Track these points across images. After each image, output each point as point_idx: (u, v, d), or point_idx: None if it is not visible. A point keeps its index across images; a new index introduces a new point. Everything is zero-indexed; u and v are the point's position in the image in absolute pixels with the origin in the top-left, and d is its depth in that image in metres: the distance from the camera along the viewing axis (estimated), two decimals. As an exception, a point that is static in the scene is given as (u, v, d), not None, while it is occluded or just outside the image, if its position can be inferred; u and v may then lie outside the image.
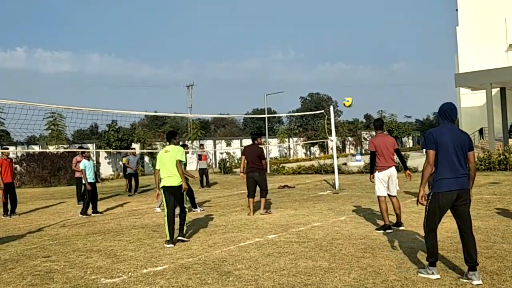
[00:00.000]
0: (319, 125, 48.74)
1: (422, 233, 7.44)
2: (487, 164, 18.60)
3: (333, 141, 16.31)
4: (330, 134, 16.28)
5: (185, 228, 8.03)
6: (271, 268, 5.84)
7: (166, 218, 7.84)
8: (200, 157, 20.06)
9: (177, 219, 8.03)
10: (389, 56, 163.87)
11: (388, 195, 8.08)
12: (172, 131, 9.09)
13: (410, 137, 62.76)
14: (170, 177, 7.89)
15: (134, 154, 18.01)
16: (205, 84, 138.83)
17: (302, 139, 46.59)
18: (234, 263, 6.16)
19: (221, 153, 35.67)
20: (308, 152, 47.63)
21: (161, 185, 8.00)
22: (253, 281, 5.33)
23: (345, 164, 24.97)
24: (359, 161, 27.56)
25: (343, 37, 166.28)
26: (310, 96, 68.77)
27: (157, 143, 35.10)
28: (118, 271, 6.13)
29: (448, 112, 5.15)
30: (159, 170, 8.05)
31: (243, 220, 9.82)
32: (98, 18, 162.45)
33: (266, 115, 25.36)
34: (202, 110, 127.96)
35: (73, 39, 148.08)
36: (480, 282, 4.77)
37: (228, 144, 40.34)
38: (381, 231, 7.82)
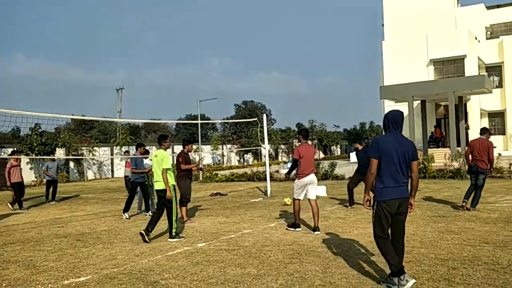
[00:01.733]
0: (252, 132, 49.14)
1: (347, 238, 7.72)
2: (408, 173, 19.56)
3: (266, 149, 16.50)
4: (263, 141, 16.46)
5: (173, 230, 8.34)
6: (199, 276, 5.78)
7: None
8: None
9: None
10: (322, 68, 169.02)
11: (308, 199, 8.66)
12: (163, 134, 9.28)
13: (338, 146, 64.83)
14: (158, 181, 8.43)
15: (53, 160, 17.23)
16: (137, 89, 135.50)
17: (235, 146, 46.73)
18: (161, 273, 6.04)
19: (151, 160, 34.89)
20: (242, 160, 47.85)
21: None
22: (180, 290, 5.25)
23: (277, 171, 25.31)
24: (290, 169, 28.04)
25: (279, 48, 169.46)
26: (244, 103, 69.18)
27: (83, 148, 33.71)
28: (37, 282, 5.82)
29: (395, 119, 5.08)
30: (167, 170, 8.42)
31: (173, 228, 9.66)
32: (24, 17, 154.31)
33: (199, 121, 25.18)
34: (133, 115, 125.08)
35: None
36: (414, 280, 4.99)
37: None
38: (292, 229, 8.65)
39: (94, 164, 33.55)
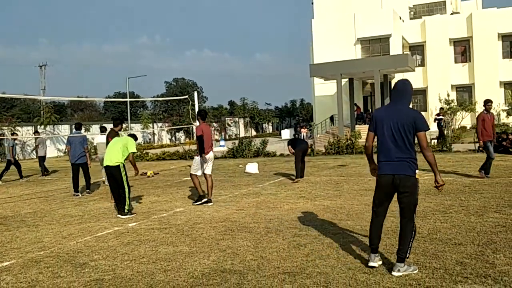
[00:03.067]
0: (184, 110, 48.54)
1: (278, 213, 7.91)
2: (336, 149, 20.31)
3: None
4: (195, 120, 16.30)
5: (126, 207, 8.44)
6: (130, 256, 5.71)
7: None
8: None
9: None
10: (253, 46, 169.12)
11: (205, 174, 9.32)
12: (116, 117, 10.17)
13: (270, 124, 65.71)
14: (109, 158, 8.66)
15: None
16: (63, 66, 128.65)
17: (167, 124, 45.99)
18: (91, 254, 5.89)
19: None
20: (174, 138, 47.23)
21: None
22: (110, 271, 5.17)
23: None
24: (223, 147, 28.17)
25: (210, 25, 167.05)
26: (175, 81, 67.92)
27: (4, 128, 31.71)
28: (-46, 271, 5.47)
29: (395, 90, 4.73)
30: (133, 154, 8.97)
31: (102, 209, 9.43)
32: None
33: (128, 99, 24.47)
34: (58, 93, 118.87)
35: None
36: (378, 264, 4.81)
37: (87, 130, 38.14)
38: (198, 203, 9.12)
39: (16, 144, 31.68)
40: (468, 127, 33.33)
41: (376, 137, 4.84)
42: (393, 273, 4.54)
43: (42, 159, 18.68)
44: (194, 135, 42.84)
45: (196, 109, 16.11)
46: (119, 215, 8.42)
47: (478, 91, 35.69)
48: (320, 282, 4.45)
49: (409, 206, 4.62)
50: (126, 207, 8.46)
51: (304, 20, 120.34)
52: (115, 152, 8.65)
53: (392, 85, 33.57)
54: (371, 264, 4.76)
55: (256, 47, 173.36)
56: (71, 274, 5.11)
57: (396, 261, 4.62)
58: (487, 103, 10.84)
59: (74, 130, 12.63)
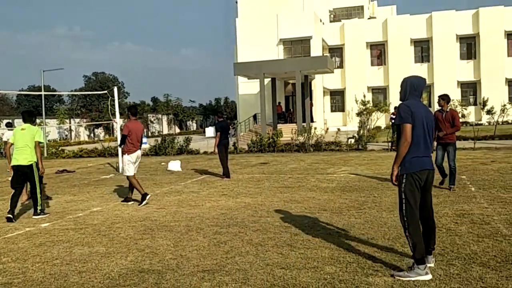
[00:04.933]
0: (104, 106, 46.85)
1: (200, 211, 7.90)
2: (259, 147, 20.62)
3: (117, 123, 15.91)
4: (115, 116, 15.83)
5: (38, 207, 8.05)
6: (42, 258, 5.44)
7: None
8: None
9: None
10: (178, 42, 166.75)
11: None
12: (29, 110, 9.00)
13: (194, 121, 65.26)
14: (23, 157, 7.91)
15: None
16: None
17: (85, 120, 44.12)
18: (-2, 257, 5.54)
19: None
20: (92, 135, 45.43)
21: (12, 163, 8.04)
22: (20, 274, 4.89)
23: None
24: (145, 144, 27.48)
25: (133, 18, 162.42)
26: (94, 75, 65.29)
27: None
28: None
29: (417, 84, 4.55)
30: (11, 145, 8.18)
31: (12, 209, 8.87)
32: None
33: (43, 93, 23.18)
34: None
35: None
36: (432, 264, 4.63)
37: (-3, 125, 35.62)
38: (144, 202, 8.71)
39: None
40: (382, 127, 35.18)
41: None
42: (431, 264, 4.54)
43: None
44: (115, 131, 41.34)
45: (116, 105, 15.67)
46: (34, 216, 7.99)
47: (392, 92, 37.81)
48: (238, 279, 4.51)
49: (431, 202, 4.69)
50: (39, 207, 8.03)
51: (231, 18, 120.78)
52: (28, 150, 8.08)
53: (310, 86, 34.66)
54: (429, 265, 4.49)
55: (181, 42, 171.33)
56: (-25, 279, 4.78)
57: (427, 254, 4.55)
58: (440, 99, 9.01)
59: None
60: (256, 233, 6.24)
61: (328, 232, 6.21)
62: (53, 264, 5.20)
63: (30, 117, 8.28)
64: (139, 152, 9.11)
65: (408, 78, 4.64)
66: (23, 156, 7.90)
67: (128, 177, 9.03)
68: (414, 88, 4.52)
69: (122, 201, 9.22)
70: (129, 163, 8.94)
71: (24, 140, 7.92)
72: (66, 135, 42.48)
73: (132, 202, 9.03)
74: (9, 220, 7.63)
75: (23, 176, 8.06)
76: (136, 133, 8.91)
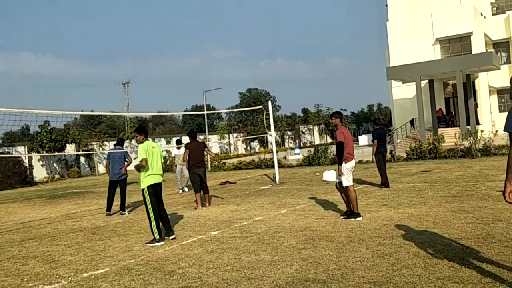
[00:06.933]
0: (258, 120, 49.12)
1: (362, 224, 7.73)
2: (418, 154, 19.55)
3: (272, 136, 16.52)
4: (269, 128, 16.47)
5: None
6: (215, 264, 5.85)
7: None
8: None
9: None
10: (326, 51, 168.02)
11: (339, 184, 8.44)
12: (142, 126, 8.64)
13: (347, 130, 64.53)
14: (159, 174, 7.84)
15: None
16: (142, 82, 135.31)
17: (242, 134, 46.75)
18: (178, 262, 6.11)
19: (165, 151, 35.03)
20: (249, 147, 47.88)
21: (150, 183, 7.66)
22: (197, 278, 5.33)
23: (285, 158, 25.36)
24: (298, 155, 28.12)
25: (282, 34, 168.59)
26: (248, 91, 69.02)
27: (93, 143, 33.94)
28: (57, 276, 5.91)
29: None
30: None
31: (186, 218, 9.75)
32: (30, 16, 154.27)
33: (205, 112, 25.22)
34: (140, 108, 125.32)
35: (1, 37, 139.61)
36: None
37: (168, 142, 39.75)
38: (351, 220, 7.93)
39: (104, 158, 33.79)
40: None
41: None
42: None
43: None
44: (269, 144, 42.90)
45: (271, 119, 16.28)
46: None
47: None
48: (408, 293, 4.29)
49: None
50: (156, 236, 7.53)
51: (379, 22, 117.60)
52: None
53: (474, 85, 31.85)
54: None
55: (329, 52, 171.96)
56: (160, 281, 5.33)
57: None
58: None
59: (114, 146, 12.20)
60: (422, 245, 5.90)
61: (505, 244, 5.60)
62: (224, 270, 5.55)
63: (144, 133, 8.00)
64: (353, 162, 8.27)
65: None
66: (160, 174, 7.85)
67: (347, 187, 8.16)
68: None
69: (343, 217, 8.21)
70: (348, 172, 8.17)
71: (160, 158, 7.99)
72: (226, 149, 45.46)
73: (355, 217, 8.02)
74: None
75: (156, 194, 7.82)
76: (349, 141, 8.21)
